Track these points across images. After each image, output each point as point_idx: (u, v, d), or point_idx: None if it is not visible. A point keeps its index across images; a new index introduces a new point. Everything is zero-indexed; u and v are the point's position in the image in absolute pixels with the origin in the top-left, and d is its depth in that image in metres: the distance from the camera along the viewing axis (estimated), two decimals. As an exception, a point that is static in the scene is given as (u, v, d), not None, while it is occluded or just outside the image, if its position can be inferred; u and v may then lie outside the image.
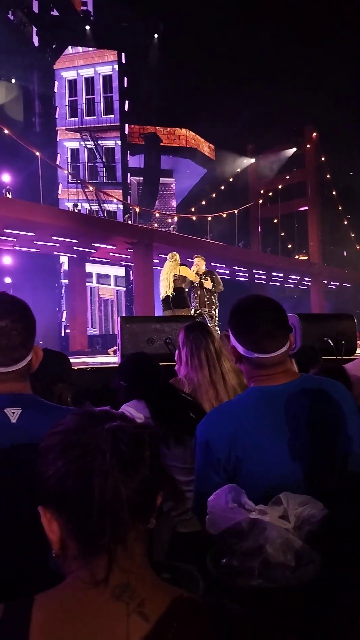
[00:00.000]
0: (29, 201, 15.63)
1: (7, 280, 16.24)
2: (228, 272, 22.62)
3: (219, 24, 29.70)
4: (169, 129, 27.10)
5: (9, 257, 16.83)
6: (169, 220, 22.96)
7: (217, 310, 9.47)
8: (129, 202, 23.66)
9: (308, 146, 29.38)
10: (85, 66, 25.46)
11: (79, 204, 22.17)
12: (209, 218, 22.75)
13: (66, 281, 21.27)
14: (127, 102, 25.05)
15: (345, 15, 29.93)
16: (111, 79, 25.30)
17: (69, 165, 25.22)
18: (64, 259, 20.94)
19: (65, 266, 21.22)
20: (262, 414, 1.57)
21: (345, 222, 29.88)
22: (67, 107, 25.53)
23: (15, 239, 15.64)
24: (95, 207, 23.74)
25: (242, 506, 1.40)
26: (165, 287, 8.86)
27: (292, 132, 29.49)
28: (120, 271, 23.78)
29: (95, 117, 25.57)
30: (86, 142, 25.43)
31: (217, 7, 29.12)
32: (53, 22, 22.64)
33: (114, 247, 18.86)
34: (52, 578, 0.90)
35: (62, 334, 20.27)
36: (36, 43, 22.46)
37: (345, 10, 29.40)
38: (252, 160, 30.37)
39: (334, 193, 29.56)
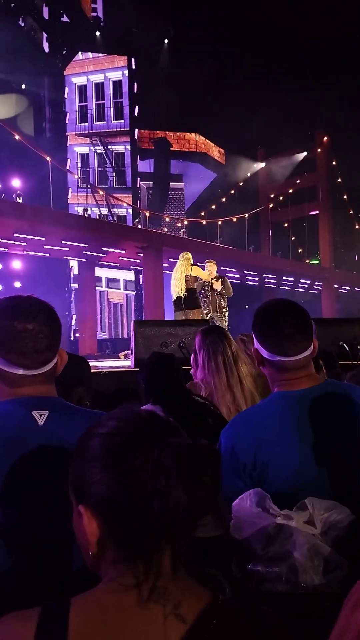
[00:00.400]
0: (39, 205, 15.70)
1: (17, 284, 16.31)
2: (238, 276, 22.60)
3: (228, 29, 29.81)
4: (179, 133, 27.18)
5: (19, 262, 16.89)
6: (179, 225, 22.97)
7: (227, 314, 9.48)
8: (138, 206, 23.72)
9: (319, 150, 29.32)
10: (96, 72, 25.59)
11: (89, 209, 22.24)
12: (219, 222, 22.74)
13: (76, 285, 21.33)
14: (137, 107, 25.14)
15: (356, 18, 29.92)
16: (121, 84, 25.42)
17: (79, 170, 25.33)
18: (73, 263, 20.99)
19: (75, 270, 21.28)
20: (286, 419, 1.56)
21: (357, 226, 29.79)
22: (77, 112, 25.67)
23: (25, 244, 15.69)
24: (105, 211, 23.81)
25: (267, 511, 1.39)
26: (177, 288, 8.85)
27: (303, 136, 29.46)
28: (130, 275, 23.81)
29: (105, 122, 25.69)
30: (96, 147, 25.54)
31: (227, 12, 29.23)
32: (63, 28, 22.79)
33: (124, 252, 18.88)
34: (77, 579, 0.89)
35: (72, 338, 20.31)
36: (46, 49, 22.60)
37: (355, 12, 29.39)
38: (263, 164, 30.34)
39: (345, 197, 29.49)
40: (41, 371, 1.36)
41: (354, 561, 1.30)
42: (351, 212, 29.58)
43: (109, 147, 25.44)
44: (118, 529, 0.82)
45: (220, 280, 9.31)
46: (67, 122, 23.90)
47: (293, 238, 28.52)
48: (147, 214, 20.65)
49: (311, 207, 29.72)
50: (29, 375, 1.34)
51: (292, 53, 29.94)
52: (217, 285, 9.19)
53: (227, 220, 23.05)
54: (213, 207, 24.43)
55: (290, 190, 28.31)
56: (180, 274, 8.86)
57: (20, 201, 14.81)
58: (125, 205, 23.47)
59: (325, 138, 29.22)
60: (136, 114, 25.15)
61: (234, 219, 23.41)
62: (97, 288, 21.75)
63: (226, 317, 9.44)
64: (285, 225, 28.53)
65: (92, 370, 3.06)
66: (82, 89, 25.87)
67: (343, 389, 1.64)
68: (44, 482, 1.22)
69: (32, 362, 1.34)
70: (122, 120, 25.36)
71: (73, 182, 23.02)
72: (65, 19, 23.04)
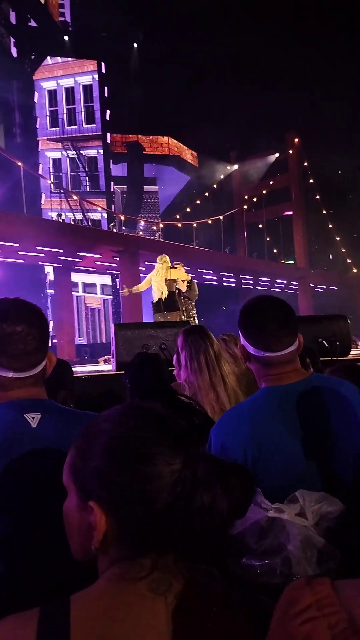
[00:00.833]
0: (12, 212, 15.56)
1: (-8, 291, 16.13)
2: (215, 277, 22.70)
3: (199, 33, 29.95)
4: (151, 137, 27.22)
5: (-7, 269, 16.74)
6: (155, 228, 22.99)
7: (195, 318, 9.58)
8: (113, 210, 23.66)
9: (291, 151, 29.66)
10: (65, 76, 25.50)
11: (63, 214, 22.14)
12: (195, 225, 22.82)
13: (52, 291, 21.18)
14: (108, 111, 25.11)
15: (326, 20, 30.33)
16: (91, 88, 25.37)
17: (52, 175, 25.19)
18: (49, 269, 20.86)
19: (51, 276, 21.14)
20: (275, 413, 1.57)
21: (330, 226, 30.16)
22: (48, 117, 25.54)
23: (-1, 250, 15.57)
24: (79, 216, 23.71)
25: (258, 505, 1.40)
26: (159, 290, 8.87)
27: (275, 138, 29.76)
28: (107, 280, 23.74)
29: (76, 126, 25.60)
30: (68, 152, 25.43)
31: (197, 16, 29.37)
32: (31, 32, 22.68)
33: (100, 256, 18.83)
34: (75, 579, 0.89)
35: (50, 344, 20.08)
36: (14, 54, 22.45)
37: (326, 14, 29.79)
38: (236, 166, 30.58)
39: (317, 197, 29.84)
40: (31, 373, 1.35)
41: (345, 551, 1.31)
42: (324, 212, 29.94)
43: (81, 151, 25.36)
44: (131, 530, 0.82)
45: (185, 282, 9.34)
46: (37, 127, 23.79)
47: (268, 239, 28.78)
48: (122, 217, 20.62)
49: (285, 207, 30.03)
50: (20, 377, 1.34)
51: (263, 55, 30.21)
52: (182, 286, 9.23)
53: (202, 223, 23.15)
54: (188, 209, 24.53)
55: (264, 192, 28.58)
56: (161, 277, 8.89)
57: (-8, 208, 14.68)
58: (99, 209, 23.40)
59: (297, 139, 29.57)
60: (108, 118, 25.13)
61: (209, 221, 23.51)
62: (73, 293, 21.63)
63: (196, 321, 9.49)
64: (260, 226, 28.78)
65: (74, 375, 3.05)
66: (52, 94, 25.75)
67: (331, 383, 1.66)
68: (40, 484, 1.22)
69: (22, 365, 1.33)
70: (94, 125, 25.31)
71: (46, 187, 22.87)
72: (33, 23, 22.94)
